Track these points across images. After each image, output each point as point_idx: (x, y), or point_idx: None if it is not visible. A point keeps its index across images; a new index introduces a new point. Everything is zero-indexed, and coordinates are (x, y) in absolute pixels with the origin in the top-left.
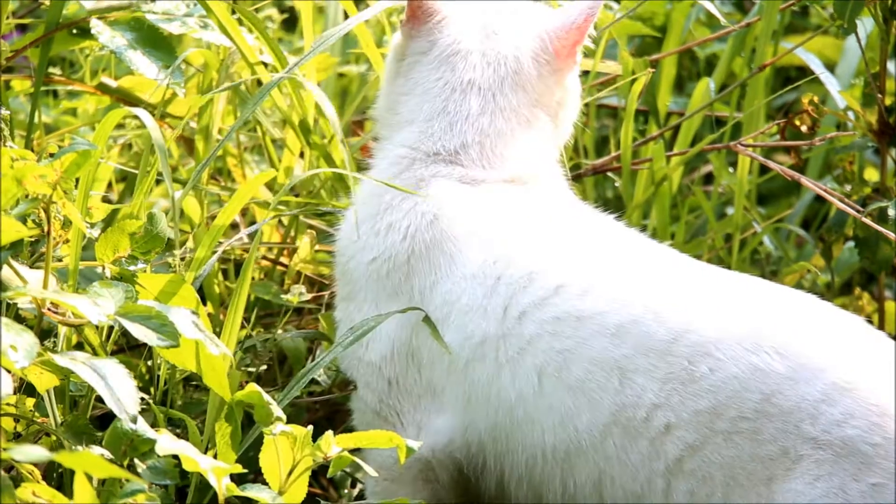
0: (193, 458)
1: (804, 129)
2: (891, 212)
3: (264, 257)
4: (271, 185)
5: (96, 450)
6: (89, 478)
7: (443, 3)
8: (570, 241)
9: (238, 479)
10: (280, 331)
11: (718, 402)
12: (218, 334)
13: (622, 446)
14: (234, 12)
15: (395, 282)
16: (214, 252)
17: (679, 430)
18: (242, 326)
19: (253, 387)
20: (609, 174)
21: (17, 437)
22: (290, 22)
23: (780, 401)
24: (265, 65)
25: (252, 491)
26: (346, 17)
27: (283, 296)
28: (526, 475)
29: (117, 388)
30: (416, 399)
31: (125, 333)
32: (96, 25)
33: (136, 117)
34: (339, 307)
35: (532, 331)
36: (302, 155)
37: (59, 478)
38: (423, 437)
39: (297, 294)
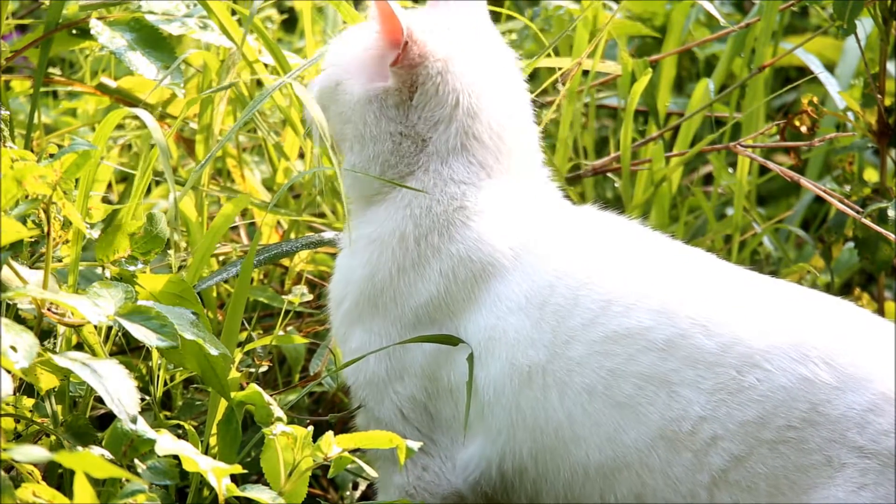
0: (193, 459)
1: (804, 129)
2: (890, 213)
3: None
4: (270, 186)
5: (96, 450)
6: (90, 478)
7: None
8: (606, 255)
9: (240, 481)
10: (280, 333)
11: (766, 411)
12: (217, 335)
13: (667, 459)
14: (234, 13)
15: (439, 325)
16: (213, 256)
17: (725, 441)
18: (243, 328)
19: (253, 387)
20: (609, 175)
21: (17, 437)
22: (290, 22)
23: (827, 410)
24: (265, 66)
25: (252, 491)
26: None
27: (283, 297)
28: (563, 493)
29: (117, 388)
30: (454, 433)
31: (125, 334)
32: (96, 26)
33: (135, 118)
34: (371, 333)
35: (581, 352)
36: (302, 156)
37: (59, 478)
38: (457, 468)
39: (299, 295)
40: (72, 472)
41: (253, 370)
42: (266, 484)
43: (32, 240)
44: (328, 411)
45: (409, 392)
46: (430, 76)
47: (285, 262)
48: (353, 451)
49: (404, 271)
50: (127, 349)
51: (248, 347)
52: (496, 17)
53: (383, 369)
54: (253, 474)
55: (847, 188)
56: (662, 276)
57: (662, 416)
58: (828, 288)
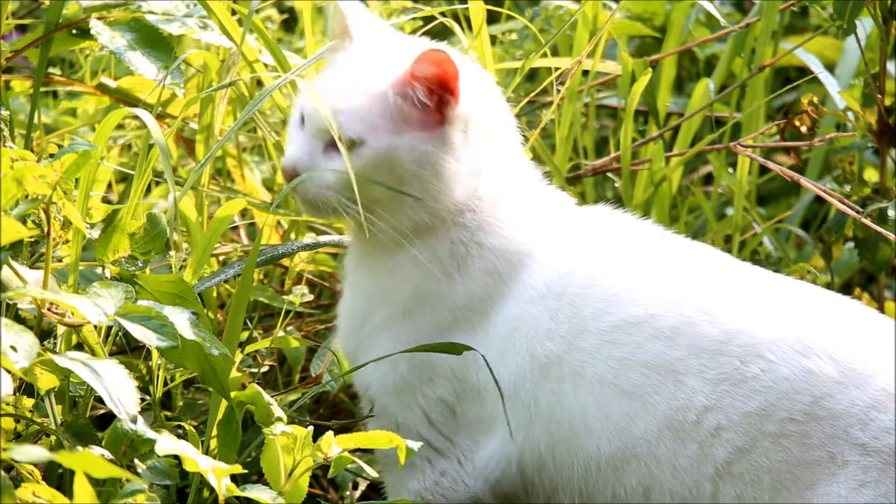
0: (193, 459)
1: (804, 129)
2: (890, 212)
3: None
4: (270, 186)
5: (96, 450)
6: (90, 478)
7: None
8: (617, 249)
9: (240, 481)
10: (281, 333)
11: (768, 403)
12: (218, 336)
13: (673, 450)
14: (234, 13)
15: (472, 323)
16: (213, 256)
17: (728, 432)
18: (244, 328)
19: (254, 387)
20: (609, 175)
21: (17, 437)
22: (291, 22)
23: (829, 404)
24: (265, 65)
25: (252, 491)
26: None
27: (284, 297)
28: (578, 489)
29: (117, 388)
30: (477, 433)
31: (125, 334)
32: (96, 26)
33: (135, 118)
34: (400, 342)
35: (593, 342)
36: None
37: (59, 478)
38: (478, 469)
39: (300, 295)
40: (72, 472)
41: (255, 370)
42: (266, 484)
43: (32, 240)
44: (329, 411)
45: (439, 394)
46: (476, 104)
47: (285, 261)
48: (352, 452)
49: (450, 276)
50: (127, 349)
51: (250, 349)
52: (496, 17)
53: (415, 374)
54: (253, 474)
55: (847, 188)
56: (671, 268)
57: (669, 406)
58: (828, 288)
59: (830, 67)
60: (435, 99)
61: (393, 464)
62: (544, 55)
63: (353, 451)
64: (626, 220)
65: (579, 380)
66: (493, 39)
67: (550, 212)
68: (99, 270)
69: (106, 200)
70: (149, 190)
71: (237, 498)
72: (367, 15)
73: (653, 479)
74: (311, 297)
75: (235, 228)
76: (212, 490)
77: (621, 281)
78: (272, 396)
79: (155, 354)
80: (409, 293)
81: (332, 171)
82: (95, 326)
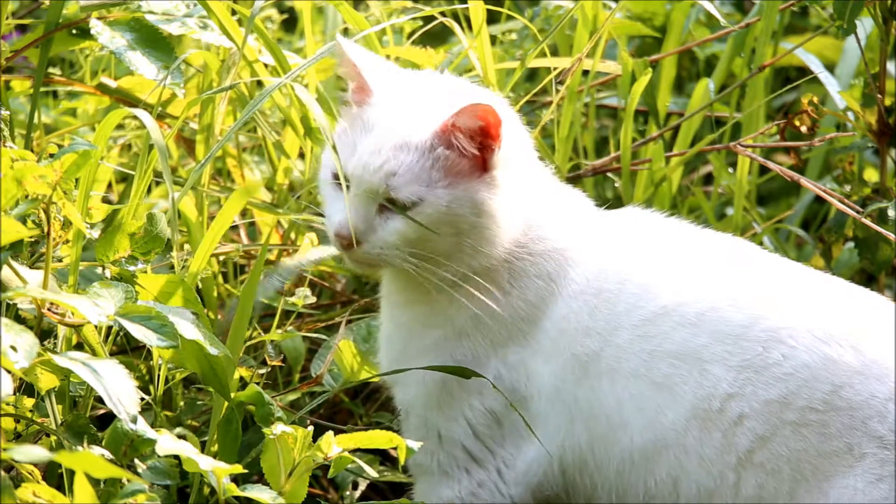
0: (194, 459)
1: (804, 129)
2: (891, 212)
3: (267, 261)
4: (270, 186)
5: (96, 450)
6: (90, 478)
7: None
8: (645, 244)
9: (240, 481)
10: (280, 332)
11: (789, 391)
12: (221, 336)
13: (699, 439)
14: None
15: (524, 333)
16: (213, 256)
17: (750, 420)
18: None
19: (254, 387)
20: (609, 174)
21: (17, 437)
22: (291, 22)
23: (849, 394)
24: (265, 65)
25: (252, 491)
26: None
27: (287, 298)
28: (615, 483)
29: (116, 388)
30: (521, 440)
31: (126, 334)
32: (96, 26)
33: (136, 118)
34: (452, 361)
35: (626, 338)
36: (302, 155)
37: (59, 478)
38: (519, 474)
39: (303, 297)
40: (72, 472)
41: (262, 370)
42: (266, 484)
43: (32, 240)
44: (329, 411)
45: (488, 405)
46: (510, 138)
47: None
48: (352, 452)
49: (508, 293)
50: (128, 349)
51: (255, 341)
52: (496, 17)
53: (465, 387)
54: (253, 474)
55: (847, 188)
56: (699, 259)
57: (695, 395)
58: None
59: (830, 67)
60: (477, 144)
61: (425, 471)
62: (544, 55)
63: (353, 451)
64: (653, 217)
65: (616, 375)
66: (493, 39)
67: (580, 212)
68: (99, 270)
69: (106, 200)
70: (149, 190)
71: (237, 498)
72: (378, 62)
73: (681, 469)
74: (313, 299)
75: (235, 228)
76: (212, 490)
77: (651, 275)
78: (273, 397)
79: (155, 354)
80: (467, 316)
81: (394, 233)
82: (96, 326)
